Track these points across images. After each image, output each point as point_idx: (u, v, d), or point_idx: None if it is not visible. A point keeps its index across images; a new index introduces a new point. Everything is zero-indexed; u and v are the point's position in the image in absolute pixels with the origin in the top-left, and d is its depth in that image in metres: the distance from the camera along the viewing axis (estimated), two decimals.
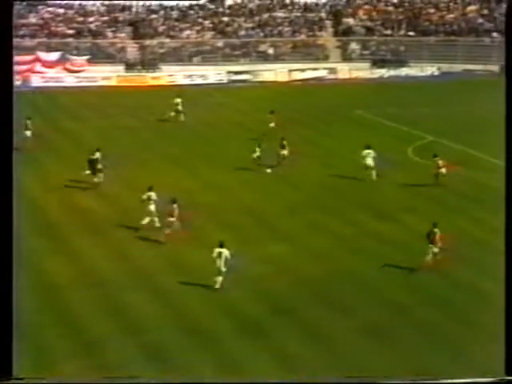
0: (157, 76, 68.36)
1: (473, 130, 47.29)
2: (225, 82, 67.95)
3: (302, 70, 70.20)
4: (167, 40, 74.88)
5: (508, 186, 11.75)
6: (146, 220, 29.26)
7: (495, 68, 71.90)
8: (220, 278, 23.94)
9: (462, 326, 22.26)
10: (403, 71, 72.03)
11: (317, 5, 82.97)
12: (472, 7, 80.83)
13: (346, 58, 75.63)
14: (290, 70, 69.69)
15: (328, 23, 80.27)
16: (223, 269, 23.87)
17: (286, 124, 47.81)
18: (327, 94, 61.04)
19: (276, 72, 69.48)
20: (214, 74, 69.06)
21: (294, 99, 57.64)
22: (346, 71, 71.28)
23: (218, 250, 23.86)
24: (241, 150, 40.74)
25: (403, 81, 68.10)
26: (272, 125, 44.13)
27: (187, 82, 67.37)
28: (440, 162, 35.41)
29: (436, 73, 71.69)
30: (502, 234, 29.63)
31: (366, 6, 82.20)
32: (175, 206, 28.08)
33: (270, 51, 75.03)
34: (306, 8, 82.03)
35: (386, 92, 62.24)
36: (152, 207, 29.19)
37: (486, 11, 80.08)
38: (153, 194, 29.30)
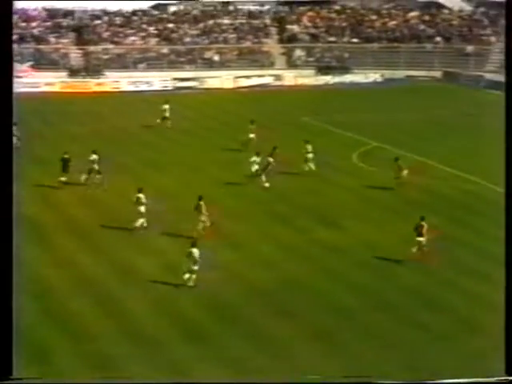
0: (101, 82, 67.85)
1: (416, 135, 47.97)
2: (170, 88, 67.76)
3: (248, 77, 70.36)
4: (111, 46, 74.41)
5: (508, 190, 11.89)
6: (140, 221, 29.93)
7: (437, 74, 73.11)
8: (192, 276, 24.93)
9: (409, 330, 22.51)
10: (347, 78, 72.70)
11: (261, 12, 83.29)
12: (413, 13, 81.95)
13: (291, 64, 76.06)
14: (236, 77, 69.81)
15: (273, 30, 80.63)
16: (194, 267, 24.83)
17: (238, 132, 47.98)
18: (273, 100, 61.25)
19: (222, 79, 69.53)
20: (159, 80, 68.81)
21: (240, 106, 57.71)
22: (291, 78, 71.66)
23: (189, 249, 24.93)
24: (189, 156, 40.66)
25: (348, 87, 68.73)
26: (252, 135, 43.16)
27: (132, 88, 67.02)
28: (401, 166, 35.70)
29: (379, 79, 72.51)
30: (451, 238, 30.10)
31: (310, 13, 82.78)
32: (202, 203, 29.34)
33: (216, 58, 75.07)
34: (251, 15, 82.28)
35: (332, 98, 62.74)
36: (142, 208, 29.83)
37: (427, 17, 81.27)
38: (142, 196, 29.93)
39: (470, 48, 75.67)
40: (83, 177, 35.75)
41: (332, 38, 79.59)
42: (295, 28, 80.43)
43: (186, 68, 73.16)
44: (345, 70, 74.18)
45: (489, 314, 23.35)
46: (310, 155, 38.41)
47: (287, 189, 36.42)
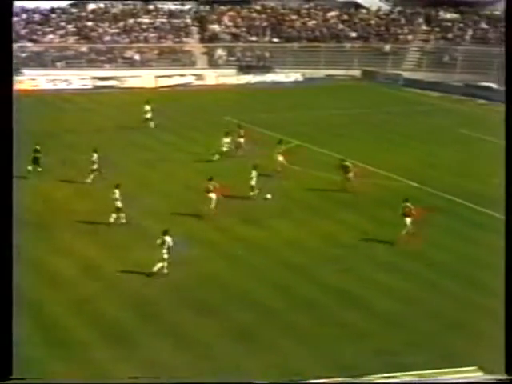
0: (18, 80, 66.55)
1: (336, 133, 48.49)
2: (89, 87, 66.93)
3: (169, 76, 70.02)
4: (29, 44, 73.07)
5: (508, 188, 11.96)
6: (113, 217, 30.44)
7: (356, 73, 74.10)
8: (160, 264, 25.73)
9: (328, 328, 22.74)
10: (269, 77, 73.03)
11: (181, 11, 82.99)
12: (332, 13, 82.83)
13: (213, 64, 76.02)
14: (157, 76, 69.38)
15: (194, 29, 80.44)
16: (165, 256, 25.69)
17: (155, 131, 47.74)
18: (195, 100, 61.09)
19: (143, 78, 69.00)
20: (78, 79, 67.89)
21: (161, 106, 57.30)
22: (212, 77, 71.62)
23: (162, 238, 25.79)
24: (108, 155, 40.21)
25: (269, 87, 69.07)
26: (242, 140, 42.55)
27: (50, 86, 65.95)
28: (349, 167, 35.83)
29: (300, 78, 73.07)
30: (374, 237, 30.52)
31: (231, 13, 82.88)
32: (212, 183, 31.78)
33: (136, 57, 74.46)
34: (171, 14, 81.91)
35: (253, 98, 62.94)
36: (118, 203, 30.49)
37: (346, 17, 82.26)
38: (117, 192, 30.50)
39: (387, 47, 76.93)
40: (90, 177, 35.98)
41: (253, 38, 79.87)
42: (216, 27, 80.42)
43: (106, 67, 72.38)
44: (266, 69, 74.52)
45: (409, 308, 23.85)
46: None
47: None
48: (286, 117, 52.36)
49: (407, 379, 16.76)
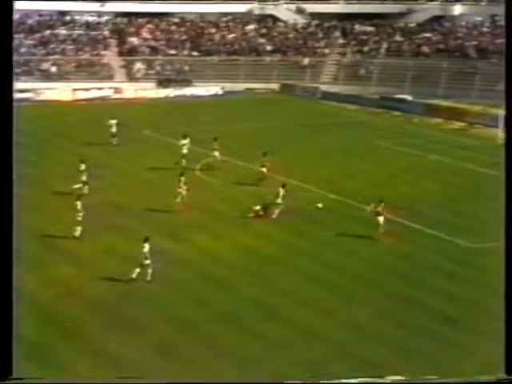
0: None
1: (255, 146, 48.70)
2: None
3: (87, 90, 69.36)
4: None
5: (508, 188, 12.04)
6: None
7: (275, 86, 74.77)
8: (148, 271, 26.25)
9: (248, 339, 22.86)
10: (188, 91, 73.07)
11: (99, 23, 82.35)
12: (250, 27, 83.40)
13: (132, 77, 75.64)
14: (74, 89, 68.63)
15: (112, 42, 79.91)
16: (146, 262, 26.18)
17: (67, 144, 47.23)
18: (113, 113, 60.59)
19: (59, 91, 68.15)
20: None
21: (77, 119, 56.78)
22: (131, 91, 71.24)
23: (143, 244, 26.35)
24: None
25: (189, 100, 69.08)
26: (216, 154, 42.46)
27: None
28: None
29: (220, 92, 73.32)
30: (292, 248, 30.71)
31: (149, 25, 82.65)
32: (183, 178, 34.09)
33: (53, 69, 73.53)
34: (89, 26, 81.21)
35: (173, 111, 62.84)
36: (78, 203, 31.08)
37: (264, 30, 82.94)
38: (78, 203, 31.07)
39: (305, 60, 77.88)
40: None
41: (172, 51, 79.82)
42: (135, 40, 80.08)
43: (21, 79, 71.21)
44: (185, 82, 74.55)
45: (326, 319, 24.13)
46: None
47: (126, 200, 36.13)
48: (206, 130, 52.37)
49: (407, 379, 16.89)
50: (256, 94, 72.04)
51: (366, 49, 78.32)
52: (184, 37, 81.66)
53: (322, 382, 15.96)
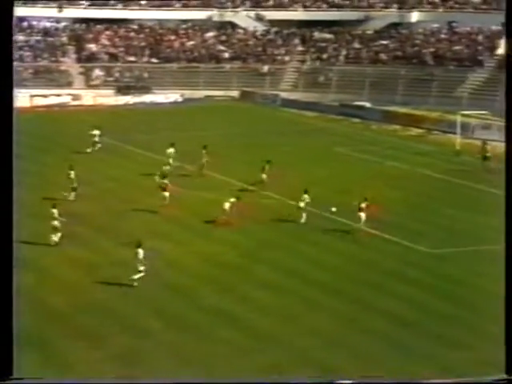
0: None
1: (215, 153, 48.72)
2: None
3: (45, 96, 68.86)
4: None
5: (508, 193, 12.12)
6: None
7: (235, 93, 74.88)
8: (136, 276, 26.64)
9: (208, 347, 22.89)
10: (148, 98, 72.89)
11: (57, 29, 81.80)
12: (210, 34, 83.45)
13: (90, 84, 75.26)
14: (32, 96, 68.05)
15: (71, 48, 79.44)
16: (140, 267, 26.60)
17: (34, 153, 46.85)
18: (72, 121, 60.31)
19: (16, 97, 67.36)
20: None
21: (37, 126, 56.27)
22: (90, 98, 70.88)
23: (135, 250, 26.83)
24: None
25: (148, 107, 68.92)
26: (205, 160, 42.98)
27: None
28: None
29: (180, 99, 73.25)
30: (253, 255, 30.77)
31: (108, 32, 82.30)
32: (166, 180, 35.58)
33: None
34: (47, 32, 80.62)
35: (132, 119, 62.65)
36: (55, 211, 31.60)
37: (223, 37, 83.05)
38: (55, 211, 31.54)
39: (265, 67, 78.13)
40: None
41: (131, 58, 79.56)
42: (93, 47, 79.68)
43: None
44: (145, 89, 74.35)
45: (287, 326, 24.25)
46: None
47: (87, 211, 35.98)
48: (165, 137, 52.27)
49: (407, 379, 16.93)
50: (216, 102, 72.12)
51: (325, 56, 78.81)
52: (143, 44, 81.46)
53: (322, 382, 16.08)
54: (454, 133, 51.64)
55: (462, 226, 34.73)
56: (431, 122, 59.92)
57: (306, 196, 34.60)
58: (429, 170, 44.70)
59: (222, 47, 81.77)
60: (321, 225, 34.40)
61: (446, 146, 51.08)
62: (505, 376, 12.70)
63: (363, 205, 33.12)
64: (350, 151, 49.02)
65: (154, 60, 79.70)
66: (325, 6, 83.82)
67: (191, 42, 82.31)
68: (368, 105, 66.50)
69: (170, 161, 43.05)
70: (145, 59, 79.55)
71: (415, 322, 24.49)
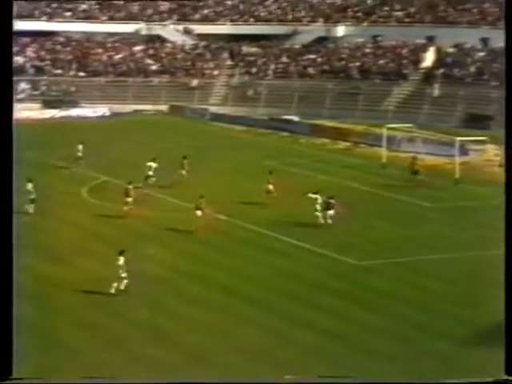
0: None
1: (143, 168, 48.55)
2: None
3: None
4: None
5: (508, 200, 12.19)
6: None
7: (164, 107, 74.72)
8: (123, 282, 27.32)
9: (137, 365, 22.75)
10: (75, 112, 72.18)
11: None
12: (138, 47, 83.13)
13: (16, 98, 74.16)
14: None
15: None
16: (122, 275, 27.21)
17: None
18: None
19: None
20: None
21: None
22: (16, 111, 69.73)
23: (118, 257, 27.33)
24: None
25: (75, 121, 68.21)
26: (184, 172, 43.28)
27: None
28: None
29: (107, 113, 72.75)
30: (178, 271, 30.64)
31: (34, 45, 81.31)
32: (131, 186, 36.99)
33: None
34: None
35: (58, 133, 61.89)
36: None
37: (152, 51, 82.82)
38: None
39: (194, 82, 78.17)
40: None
41: (58, 71, 78.71)
42: (19, 59, 78.58)
43: None
44: (72, 103, 73.61)
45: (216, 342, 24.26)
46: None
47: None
48: (94, 152, 51.87)
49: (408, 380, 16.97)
50: (144, 116, 71.84)
51: (253, 70, 79.28)
52: (70, 57, 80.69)
53: (322, 382, 16.08)
54: (381, 146, 52.50)
55: (389, 238, 35.29)
56: (358, 136, 60.80)
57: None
58: (356, 183, 45.30)
59: (150, 61, 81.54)
60: (248, 237, 34.55)
61: (373, 159, 51.84)
62: (505, 376, 13.00)
63: (333, 204, 35.54)
64: (279, 165, 49.30)
65: (82, 73, 79.02)
66: (252, 19, 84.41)
67: (119, 56, 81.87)
68: (296, 118, 67.14)
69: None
70: (72, 73, 78.78)
71: (342, 334, 24.73)
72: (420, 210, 40.01)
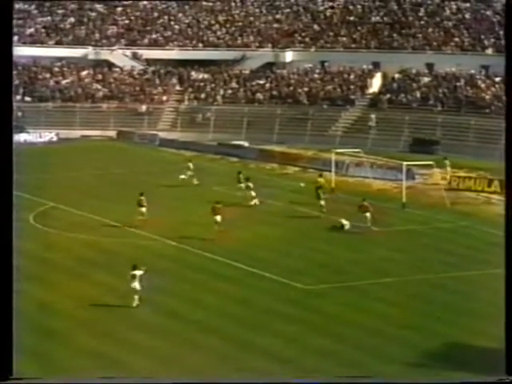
0: None
1: (91, 194, 48.54)
2: None
3: None
4: None
5: (508, 193, 12.27)
6: None
7: (112, 133, 74.60)
8: (136, 296, 28.82)
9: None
10: (21, 136, 71.56)
11: None
12: (86, 72, 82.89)
13: None
14: None
15: None
16: (138, 287, 28.77)
17: None
18: None
19: None
20: None
21: None
22: None
23: (132, 272, 28.80)
24: None
25: (21, 147, 67.51)
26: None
27: None
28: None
29: (54, 138, 72.44)
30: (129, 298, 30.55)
31: None
32: (143, 197, 39.81)
33: None
34: None
35: None
36: None
37: (100, 76, 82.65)
38: None
39: (143, 107, 78.23)
40: None
41: None
42: None
43: None
44: (18, 129, 72.93)
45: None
46: None
47: None
48: (40, 178, 51.63)
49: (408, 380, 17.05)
50: (92, 142, 71.64)
51: (202, 95, 79.65)
52: (16, 81, 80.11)
53: (322, 382, 16.11)
54: (329, 170, 53.14)
55: (337, 263, 35.69)
56: (306, 161, 61.45)
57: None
58: (305, 208, 45.74)
59: (98, 86, 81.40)
60: (198, 263, 34.70)
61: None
62: (505, 376, 13.21)
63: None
64: (227, 190, 49.59)
65: (28, 98, 78.59)
66: (201, 45, 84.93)
67: (66, 81, 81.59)
68: (246, 144, 67.64)
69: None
70: (18, 97, 78.20)
71: (293, 359, 24.97)
72: (369, 234, 40.58)
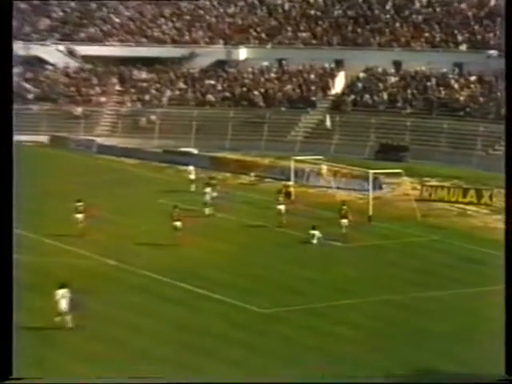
0: None
1: (21, 207, 47.95)
2: None
3: None
4: None
5: (508, 193, 12.37)
6: None
7: (44, 139, 74.04)
8: (67, 317, 29.00)
9: None
10: None
11: None
12: (14, 70, 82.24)
13: None
14: None
15: None
16: (65, 309, 28.90)
17: None
18: None
19: None
20: None
21: None
22: None
23: (59, 291, 28.99)
24: None
25: None
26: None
27: None
28: None
29: None
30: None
31: None
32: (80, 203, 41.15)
33: None
34: None
35: None
36: None
37: (30, 75, 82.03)
38: None
39: (79, 110, 77.84)
40: None
41: None
42: None
43: None
44: None
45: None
46: None
47: None
48: None
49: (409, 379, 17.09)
50: (22, 148, 70.96)
51: (146, 97, 79.49)
52: None
53: (322, 382, 16.19)
54: (287, 180, 53.40)
55: (294, 283, 35.72)
56: (263, 169, 61.68)
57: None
58: (262, 221, 45.87)
59: (28, 85, 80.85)
60: (140, 285, 34.61)
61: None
62: (505, 376, 13.53)
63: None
64: (176, 203, 49.57)
65: None
66: (144, 40, 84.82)
67: None
68: (195, 151, 67.60)
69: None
70: None
71: None
72: (331, 250, 40.82)
